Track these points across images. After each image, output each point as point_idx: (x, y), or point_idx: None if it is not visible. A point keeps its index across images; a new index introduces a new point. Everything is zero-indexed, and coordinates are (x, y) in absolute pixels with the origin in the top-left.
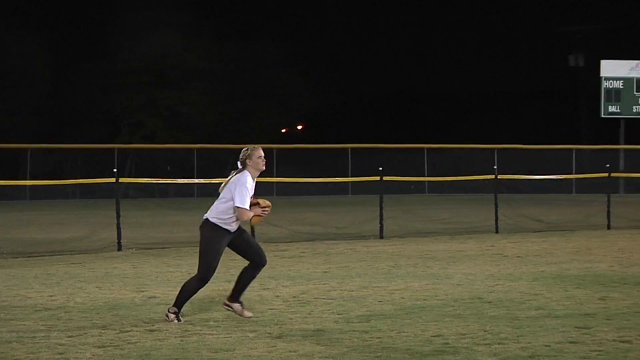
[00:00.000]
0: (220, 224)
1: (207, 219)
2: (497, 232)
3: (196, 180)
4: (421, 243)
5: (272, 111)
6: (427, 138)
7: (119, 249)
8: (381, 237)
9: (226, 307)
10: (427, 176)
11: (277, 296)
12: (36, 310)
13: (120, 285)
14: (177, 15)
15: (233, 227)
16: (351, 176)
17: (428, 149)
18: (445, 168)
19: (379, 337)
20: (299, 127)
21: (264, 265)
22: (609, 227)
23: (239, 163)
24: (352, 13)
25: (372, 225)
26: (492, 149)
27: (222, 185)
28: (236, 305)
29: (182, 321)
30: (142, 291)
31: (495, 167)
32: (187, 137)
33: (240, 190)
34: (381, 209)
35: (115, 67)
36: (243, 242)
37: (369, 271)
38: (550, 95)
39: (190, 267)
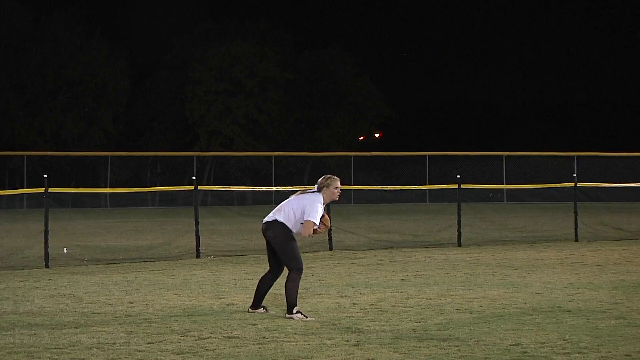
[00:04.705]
0: (287, 225)
1: (275, 219)
2: (576, 240)
3: (274, 188)
4: (499, 251)
5: (348, 119)
6: (506, 145)
7: (198, 256)
8: (459, 245)
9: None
10: (505, 184)
11: (355, 304)
12: (116, 317)
13: (198, 292)
14: (253, 25)
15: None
16: (429, 184)
17: (506, 156)
18: (523, 175)
19: (457, 346)
20: (377, 135)
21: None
22: None
23: (316, 186)
24: (428, 21)
25: (449, 233)
26: (572, 157)
27: (297, 193)
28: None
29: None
30: (221, 298)
31: (574, 174)
32: (264, 145)
33: (314, 207)
34: (459, 216)
35: (192, 75)
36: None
37: (446, 279)
38: (631, 103)
39: None
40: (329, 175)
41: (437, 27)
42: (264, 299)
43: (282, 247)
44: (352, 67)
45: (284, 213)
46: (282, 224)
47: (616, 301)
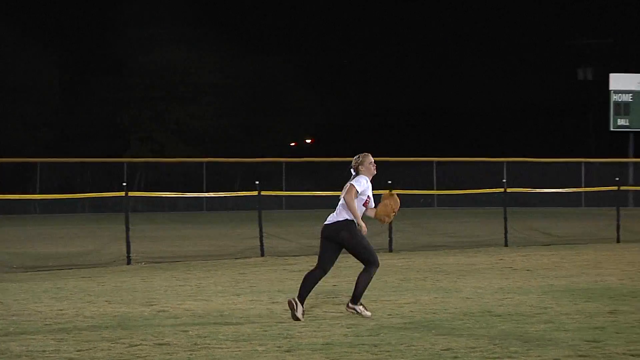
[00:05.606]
0: (354, 219)
1: (346, 219)
2: (506, 245)
3: (205, 194)
4: (430, 256)
5: (280, 125)
6: (436, 151)
7: (129, 262)
8: (390, 250)
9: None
10: (436, 189)
11: (287, 310)
12: (46, 324)
13: (129, 299)
14: (187, 30)
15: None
16: None
17: (437, 162)
18: (454, 181)
19: (389, 351)
20: (308, 141)
21: (327, 273)
22: (618, 241)
23: (352, 170)
24: (360, 27)
25: (381, 238)
26: (501, 162)
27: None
28: (359, 307)
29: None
30: (152, 305)
31: (504, 180)
32: (196, 151)
33: (358, 180)
34: (390, 222)
35: (124, 81)
36: (334, 250)
37: (378, 285)
38: (559, 109)
39: (199, 280)
40: (358, 155)
41: (366, 32)
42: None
43: (356, 248)
44: (285, 73)
45: (346, 209)
46: (349, 221)
47: (545, 306)
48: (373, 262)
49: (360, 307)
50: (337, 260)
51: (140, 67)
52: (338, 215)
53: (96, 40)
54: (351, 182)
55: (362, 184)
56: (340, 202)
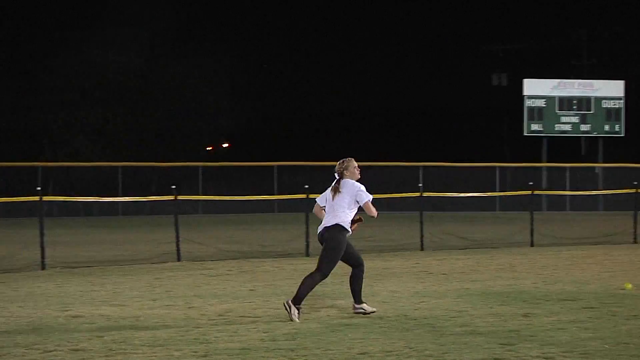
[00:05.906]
0: (346, 227)
1: (337, 224)
2: (422, 249)
3: (121, 199)
4: None
5: (197, 129)
6: (353, 155)
7: (43, 267)
8: (307, 255)
9: (356, 311)
10: None
11: (203, 315)
12: None
13: (44, 305)
14: (101, 32)
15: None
16: (277, 194)
17: None
18: (370, 185)
19: (305, 355)
20: (225, 145)
21: (363, 265)
22: (532, 245)
23: (336, 174)
24: (275, 31)
25: (298, 243)
26: (417, 167)
27: (329, 195)
28: (364, 306)
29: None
30: (66, 310)
31: (420, 184)
32: (112, 155)
33: (362, 191)
34: (307, 226)
35: (37, 84)
36: (349, 247)
37: (295, 289)
38: (474, 114)
39: (115, 285)
40: (342, 160)
41: (281, 36)
42: (362, 294)
43: (328, 251)
44: (200, 77)
45: (339, 216)
46: (341, 227)
47: (461, 309)
48: (322, 272)
49: (295, 312)
50: (357, 252)
51: (54, 69)
52: (328, 221)
53: (7, 42)
54: (365, 200)
55: (366, 191)
56: (332, 209)
